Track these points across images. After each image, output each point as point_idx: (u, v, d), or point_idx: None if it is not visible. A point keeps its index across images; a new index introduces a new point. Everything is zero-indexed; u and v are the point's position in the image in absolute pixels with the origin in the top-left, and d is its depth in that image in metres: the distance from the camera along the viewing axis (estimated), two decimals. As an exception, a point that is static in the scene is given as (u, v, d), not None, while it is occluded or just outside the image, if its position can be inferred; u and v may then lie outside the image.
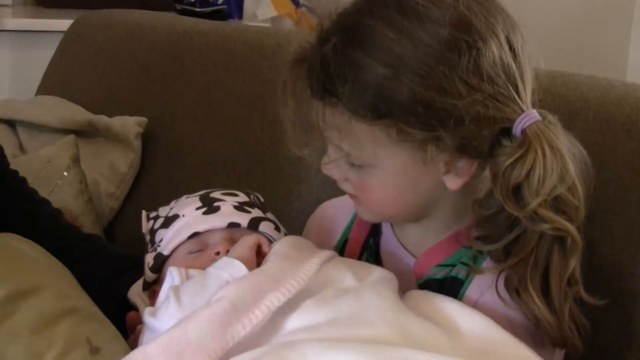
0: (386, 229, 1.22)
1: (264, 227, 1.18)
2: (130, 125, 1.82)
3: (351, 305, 1.00)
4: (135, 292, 1.21)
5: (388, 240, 1.21)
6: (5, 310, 0.98)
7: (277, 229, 1.20)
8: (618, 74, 2.84)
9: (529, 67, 1.06)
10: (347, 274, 1.07)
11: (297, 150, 1.12)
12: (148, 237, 1.23)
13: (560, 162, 1.00)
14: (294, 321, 0.98)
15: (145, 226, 1.24)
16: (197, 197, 1.21)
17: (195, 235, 1.16)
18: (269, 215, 1.23)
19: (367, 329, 0.96)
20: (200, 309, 0.96)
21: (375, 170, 1.06)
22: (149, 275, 1.18)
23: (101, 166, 1.80)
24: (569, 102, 1.35)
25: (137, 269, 1.26)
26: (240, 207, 1.19)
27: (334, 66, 1.01)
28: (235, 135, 1.76)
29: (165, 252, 1.17)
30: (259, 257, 1.09)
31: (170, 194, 1.75)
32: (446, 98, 0.98)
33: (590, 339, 1.08)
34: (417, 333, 0.97)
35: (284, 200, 1.61)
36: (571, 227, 1.01)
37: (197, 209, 1.18)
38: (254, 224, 1.17)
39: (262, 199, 1.28)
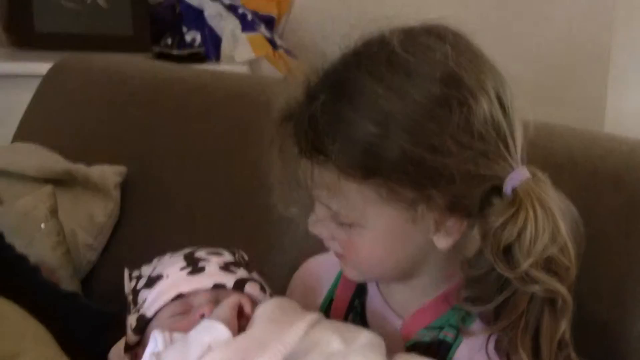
0: (372, 288, 1.19)
1: (250, 288, 1.15)
2: (109, 174, 1.80)
3: None
4: (116, 354, 1.18)
5: (374, 299, 1.19)
6: None
7: (263, 289, 1.18)
8: (596, 123, 2.85)
9: (518, 123, 1.05)
10: (334, 337, 1.05)
11: (284, 209, 1.10)
12: (130, 297, 1.20)
13: (552, 221, 0.99)
14: None
15: (128, 286, 1.21)
16: (182, 256, 1.19)
17: (179, 296, 1.13)
18: (255, 275, 1.20)
19: None
20: None
21: (364, 230, 1.04)
22: (131, 337, 1.15)
23: (79, 217, 1.77)
24: (555, 156, 1.34)
25: (117, 327, 1.23)
26: (225, 268, 1.17)
27: (323, 124, 0.99)
28: (215, 186, 1.73)
29: (149, 314, 1.14)
30: (242, 318, 1.07)
31: (149, 245, 1.73)
32: (437, 156, 0.97)
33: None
34: None
35: (266, 253, 1.59)
36: (562, 289, 1.00)
37: (182, 269, 1.16)
38: (239, 285, 1.15)
39: (246, 257, 1.26)
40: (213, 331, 1.00)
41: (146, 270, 1.21)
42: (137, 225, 1.80)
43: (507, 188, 0.99)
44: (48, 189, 1.69)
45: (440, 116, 0.97)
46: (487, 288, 1.03)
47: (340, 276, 1.23)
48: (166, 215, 1.77)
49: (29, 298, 1.26)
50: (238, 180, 1.70)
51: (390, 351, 1.10)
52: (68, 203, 1.79)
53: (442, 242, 1.05)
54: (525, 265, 0.97)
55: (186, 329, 1.07)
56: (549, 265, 0.99)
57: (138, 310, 1.15)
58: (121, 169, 1.81)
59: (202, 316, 1.09)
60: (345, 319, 1.21)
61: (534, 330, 1.02)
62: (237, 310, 1.07)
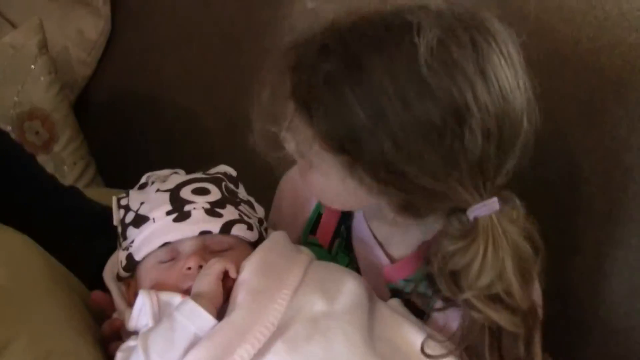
0: (358, 214, 1.20)
1: (237, 230, 1.15)
2: (96, -14, 1.71)
3: (320, 355, 1.01)
4: (109, 275, 1.20)
5: (360, 226, 1.19)
6: None
7: (250, 228, 1.17)
8: None
9: (518, 146, 0.98)
10: (317, 296, 1.07)
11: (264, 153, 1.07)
12: (120, 230, 1.20)
13: (501, 263, 0.97)
14: None
15: (117, 215, 1.21)
16: (167, 196, 1.17)
17: (166, 244, 1.14)
18: (242, 207, 1.19)
19: None
20: None
21: (319, 174, 1.05)
22: (122, 273, 1.18)
23: (70, 33, 1.72)
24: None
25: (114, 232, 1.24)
26: (211, 211, 1.15)
27: (320, 90, 0.96)
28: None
29: (137, 258, 1.15)
30: (227, 279, 1.08)
31: (143, 65, 1.70)
32: (411, 168, 0.95)
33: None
34: None
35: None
36: (507, 320, 0.99)
37: (168, 213, 1.15)
38: (226, 229, 1.14)
39: (234, 174, 1.24)
40: (199, 320, 1.02)
41: (134, 201, 1.19)
42: (130, 40, 1.75)
43: (470, 215, 0.98)
44: (35, 21, 1.62)
45: (431, 140, 0.93)
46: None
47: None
48: (161, 35, 1.71)
49: (25, 192, 1.27)
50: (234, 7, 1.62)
51: (375, 284, 1.14)
52: (57, 16, 1.72)
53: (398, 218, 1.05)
54: (466, 294, 0.98)
55: (173, 281, 1.10)
56: (495, 297, 0.99)
57: (127, 248, 1.16)
58: (110, -21, 1.72)
59: (189, 269, 1.11)
60: (331, 243, 1.23)
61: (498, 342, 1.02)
62: (222, 276, 1.08)
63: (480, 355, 1.03)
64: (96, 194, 1.41)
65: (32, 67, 1.59)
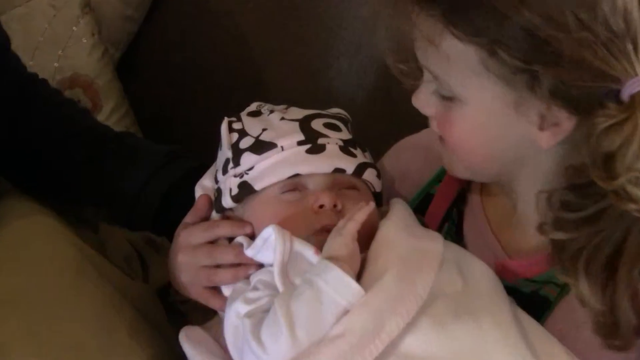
0: (475, 197, 1.09)
1: (368, 174, 1.05)
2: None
3: (470, 336, 0.91)
4: (201, 189, 1.10)
5: (474, 211, 1.08)
6: None
7: (378, 175, 1.07)
8: None
9: None
10: (455, 274, 0.97)
11: (393, 61, 1.02)
12: (230, 154, 1.06)
13: None
14: (410, 342, 0.90)
15: (228, 139, 1.06)
16: (297, 125, 1.05)
17: (295, 175, 1.02)
18: (367, 155, 1.08)
19: None
20: (322, 346, 0.88)
21: (462, 104, 0.95)
22: (229, 202, 1.05)
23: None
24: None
25: (175, 164, 1.20)
26: (345, 149, 1.05)
27: None
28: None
29: (256, 187, 1.03)
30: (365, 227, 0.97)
31: (196, 16, 1.56)
32: (551, 28, 0.86)
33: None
34: None
35: (323, 54, 1.47)
36: None
37: (300, 143, 1.03)
38: (359, 171, 1.04)
39: (350, 119, 1.12)
40: (346, 292, 0.90)
41: (251, 126, 1.07)
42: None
43: (625, 93, 0.87)
44: (77, -21, 1.48)
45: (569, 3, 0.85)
46: (584, 197, 0.91)
47: (440, 174, 1.13)
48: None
49: (81, 140, 1.20)
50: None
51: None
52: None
53: (545, 140, 0.93)
54: (622, 179, 0.86)
55: (301, 217, 1.00)
56: None
57: (242, 176, 1.04)
58: None
59: (321, 207, 1.00)
60: (439, 227, 1.11)
61: (614, 250, 0.91)
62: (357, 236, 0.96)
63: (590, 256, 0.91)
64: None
65: (74, 28, 1.44)
